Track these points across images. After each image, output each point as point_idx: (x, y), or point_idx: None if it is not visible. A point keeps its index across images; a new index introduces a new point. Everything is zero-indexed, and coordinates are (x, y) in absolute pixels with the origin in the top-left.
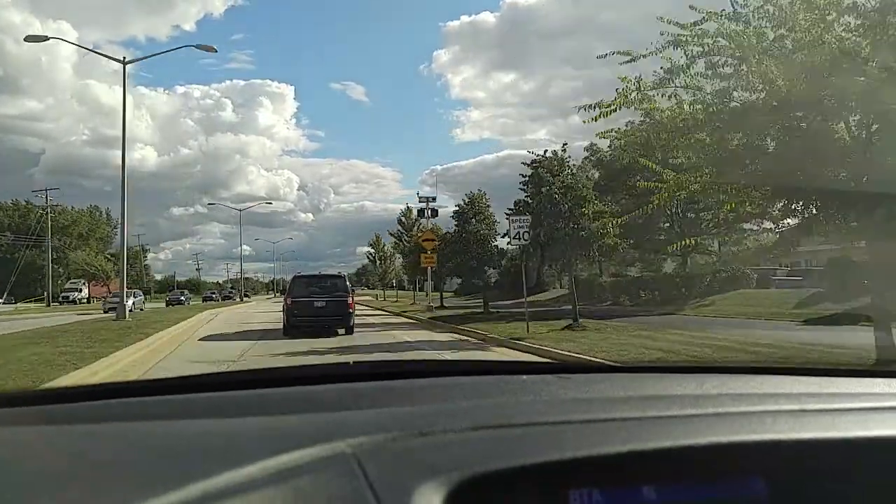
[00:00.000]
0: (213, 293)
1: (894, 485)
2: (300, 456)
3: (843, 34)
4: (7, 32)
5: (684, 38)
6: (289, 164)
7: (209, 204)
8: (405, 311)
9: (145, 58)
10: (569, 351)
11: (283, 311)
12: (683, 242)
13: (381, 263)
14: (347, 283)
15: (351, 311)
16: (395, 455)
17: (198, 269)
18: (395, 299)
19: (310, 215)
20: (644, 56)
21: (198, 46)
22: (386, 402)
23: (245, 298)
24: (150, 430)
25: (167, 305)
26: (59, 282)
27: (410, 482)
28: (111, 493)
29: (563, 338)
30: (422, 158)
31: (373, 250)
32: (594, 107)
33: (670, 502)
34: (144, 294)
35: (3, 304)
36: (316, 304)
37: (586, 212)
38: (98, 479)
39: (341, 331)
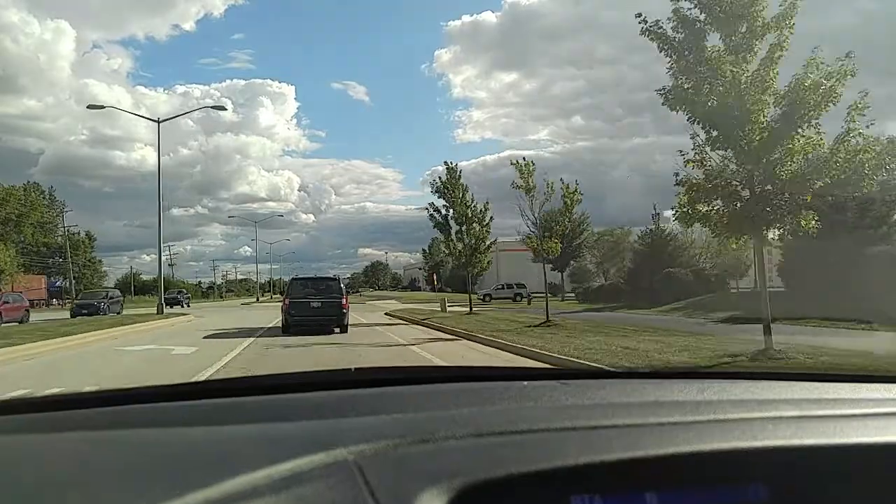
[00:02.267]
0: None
1: (895, 491)
2: (301, 463)
3: None
4: (5, 31)
5: None
6: (289, 164)
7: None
8: None
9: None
10: None
11: (282, 311)
12: None
13: (468, 232)
14: (341, 285)
15: (345, 311)
16: (396, 462)
17: (171, 265)
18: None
19: (311, 216)
20: None
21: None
22: (387, 408)
23: (180, 307)
24: (151, 438)
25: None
26: None
27: (411, 489)
28: (112, 500)
29: None
30: (423, 159)
31: (439, 198)
32: None
33: None
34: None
35: None
36: (312, 305)
37: None
38: (99, 487)
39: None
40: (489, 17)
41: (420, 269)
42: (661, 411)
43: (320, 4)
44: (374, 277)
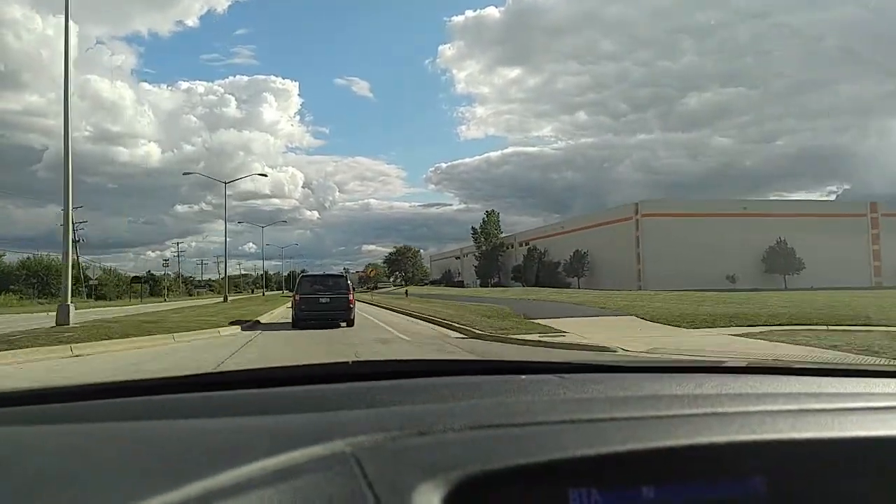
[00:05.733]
0: None
1: (894, 484)
2: (300, 455)
3: None
4: (7, 27)
5: None
6: (293, 161)
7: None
8: None
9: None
10: None
11: (292, 306)
12: None
13: None
14: (348, 281)
15: (352, 306)
16: (394, 454)
17: (77, 242)
18: None
19: (315, 213)
20: None
21: None
22: (385, 401)
23: None
24: (150, 430)
25: None
26: None
27: (410, 481)
28: (111, 492)
29: None
30: (426, 156)
31: None
32: None
33: (669, 502)
34: None
35: None
36: (321, 301)
37: None
38: (98, 479)
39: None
40: (492, 12)
41: (457, 258)
42: (658, 405)
43: (323, 0)
44: (403, 266)
